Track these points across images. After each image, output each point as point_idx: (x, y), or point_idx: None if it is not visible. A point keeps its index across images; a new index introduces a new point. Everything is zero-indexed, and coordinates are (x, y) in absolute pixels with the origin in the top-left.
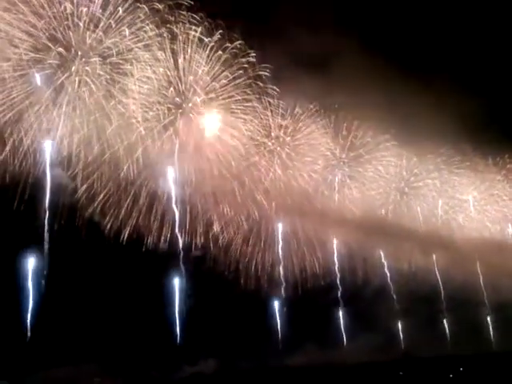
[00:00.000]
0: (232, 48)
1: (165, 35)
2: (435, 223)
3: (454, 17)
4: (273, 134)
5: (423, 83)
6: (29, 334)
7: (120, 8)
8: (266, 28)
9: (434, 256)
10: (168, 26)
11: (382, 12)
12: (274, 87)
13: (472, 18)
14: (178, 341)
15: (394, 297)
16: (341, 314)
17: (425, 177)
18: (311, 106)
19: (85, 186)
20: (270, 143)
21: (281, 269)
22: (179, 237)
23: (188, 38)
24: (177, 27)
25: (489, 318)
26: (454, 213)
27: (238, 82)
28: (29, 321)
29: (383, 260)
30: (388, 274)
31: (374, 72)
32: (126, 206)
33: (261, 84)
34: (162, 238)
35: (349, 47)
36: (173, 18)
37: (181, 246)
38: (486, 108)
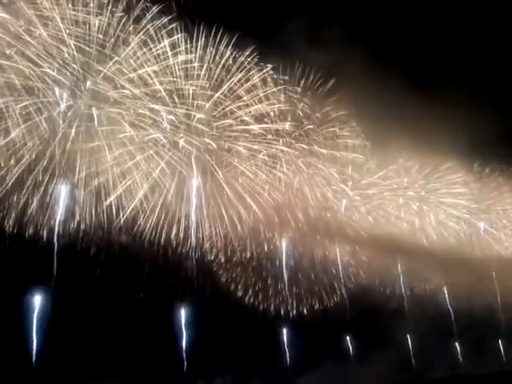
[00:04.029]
0: None
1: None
2: (448, 241)
3: (466, 30)
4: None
5: (433, 96)
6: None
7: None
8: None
9: (447, 275)
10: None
11: (392, 24)
12: None
13: (484, 31)
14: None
15: (408, 316)
16: (350, 335)
17: (437, 195)
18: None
19: None
20: None
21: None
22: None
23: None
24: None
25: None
26: (467, 231)
27: None
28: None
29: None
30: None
31: (383, 85)
32: None
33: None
34: None
35: (357, 60)
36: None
37: None
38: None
